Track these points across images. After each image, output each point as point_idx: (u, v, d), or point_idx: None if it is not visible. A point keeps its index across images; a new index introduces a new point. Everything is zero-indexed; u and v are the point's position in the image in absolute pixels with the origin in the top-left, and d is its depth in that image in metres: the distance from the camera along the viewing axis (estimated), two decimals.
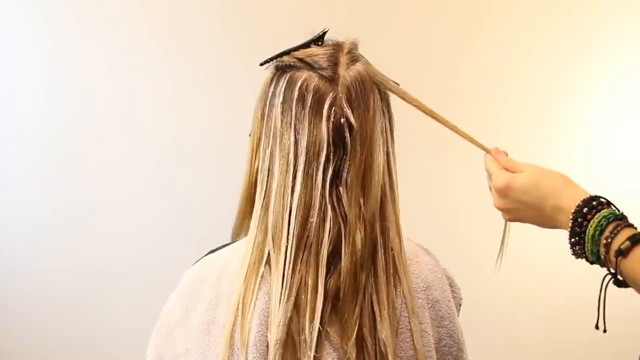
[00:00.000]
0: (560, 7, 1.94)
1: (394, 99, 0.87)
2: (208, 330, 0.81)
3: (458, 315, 0.91)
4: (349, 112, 0.79)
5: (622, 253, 0.73)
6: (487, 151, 0.90)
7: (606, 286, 0.80)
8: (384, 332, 0.79)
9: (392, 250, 0.82)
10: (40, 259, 1.96)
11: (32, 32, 1.89)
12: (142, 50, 1.91)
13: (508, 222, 0.91)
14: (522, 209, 0.83)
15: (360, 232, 0.79)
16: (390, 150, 0.84)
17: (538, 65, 1.96)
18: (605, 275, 0.78)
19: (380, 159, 0.81)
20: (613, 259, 0.74)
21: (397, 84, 0.86)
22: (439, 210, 1.98)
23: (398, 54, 1.91)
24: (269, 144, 0.82)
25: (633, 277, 0.73)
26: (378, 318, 0.79)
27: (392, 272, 0.82)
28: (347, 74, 0.81)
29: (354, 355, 0.78)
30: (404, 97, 0.86)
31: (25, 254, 1.96)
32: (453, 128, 0.89)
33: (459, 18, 1.97)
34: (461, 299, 0.93)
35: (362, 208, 0.79)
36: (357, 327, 0.78)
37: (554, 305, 2.02)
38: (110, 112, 1.92)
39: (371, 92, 0.82)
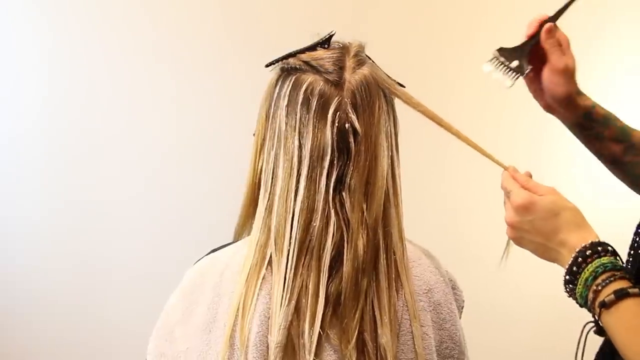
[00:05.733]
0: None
1: (397, 101, 0.86)
2: (209, 329, 0.81)
3: (460, 317, 0.91)
4: (353, 117, 0.79)
5: (605, 305, 0.72)
6: (505, 167, 0.88)
7: (587, 333, 0.80)
8: (384, 337, 0.79)
9: (394, 254, 0.82)
10: (40, 259, 1.96)
11: (32, 33, 1.89)
12: (142, 50, 1.90)
13: None
14: (532, 232, 0.81)
15: (362, 237, 0.79)
16: (395, 154, 0.84)
17: None
18: (587, 323, 0.78)
19: (384, 164, 0.81)
20: (597, 309, 0.73)
21: (402, 86, 0.86)
22: (440, 212, 1.98)
23: (398, 54, 1.91)
24: (273, 146, 0.82)
25: (611, 333, 0.73)
26: (379, 323, 0.79)
27: (394, 276, 0.82)
28: (352, 78, 0.80)
29: (354, 358, 0.78)
30: (409, 102, 0.85)
31: (25, 254, 1.96)
32: (460, 136, 0.87)
33: (459, 18, 1.97)
34: (463, 301, 0.93)
35: (365, 213, 0.79)
36: (357, 332, 0.78)
37: (555, 305, 2.01)
38: (111, 112, 1.92)
39: (377, 97, 0.81)
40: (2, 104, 1.91)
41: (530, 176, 0.86)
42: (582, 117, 1.01)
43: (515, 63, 0.95)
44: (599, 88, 1.96)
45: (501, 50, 0.96)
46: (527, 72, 0.95)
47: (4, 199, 1.94)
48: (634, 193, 1.06)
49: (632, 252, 0.90)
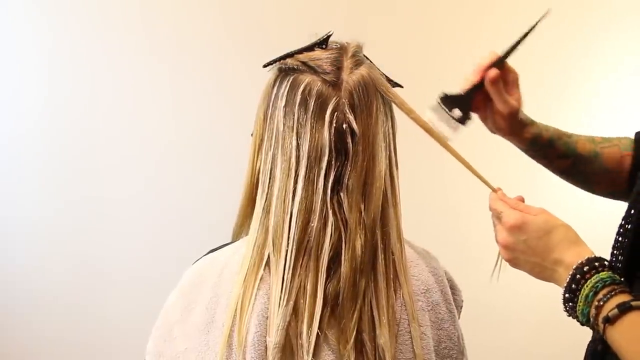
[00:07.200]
0: (562, 9, 1.94)
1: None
2: (207, 329, 0.81)
3: (459, 317, 0.91)
4: (351, 117, 0.79)
5: (610, 320, 0.72)
6: (493, 189, 0.88)
7: (592, 351, 0.80)
8: (383, 337, 0.79)
9: (392, 254, 0.82)
10: (40, 259, 1.96)
11: (32, 33, 1.89)
12: (142, 50, 1.91)
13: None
14: (526, 252, 0.81)
15: (360, 238, 0.79)
16: (393, 154, 0.84)
17: (538, 66, 1.96)
18: (590, 342, 0.78)
19: (382, 164, 0.81)
20: (601, 325, 0.73)
21: (400, 86, 0.86)
22: (439, 212, 1.97)
23: (396, 54, 1.91)
24: (271, 146, 0.82)
25: (616, 347, 0.72)
26: (377, 323, 0.79)
27: (392, 276, 0.82)
28: (350, 78, 0.80)
29: (352, 358, 0.78)
30: (402, 107, 0.85)
31: (25, 254, 1.97)
32: (449, 148, 0.87)
33: (459, 19, 1.96)
34: (462, 301, 0.93)
35: (363, 214, 0.79)
36: (355, 332, 0.78)
37: (554, 306, 2.01)
38: (111, 112, 1.92)
39: (374, 97, 0.81)
40: (3, 104, 1.92)
41: (523, 200, 0.86)
42: (528, 144, 1.02)
43: (457, 112, 0.93)
44: (599, 89, 1.97)
45: (444, 99, 0.93)
46: (468, 122, 0.94)
47: (4, 199, 1.94)
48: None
49: (615, 252, 0.89)
